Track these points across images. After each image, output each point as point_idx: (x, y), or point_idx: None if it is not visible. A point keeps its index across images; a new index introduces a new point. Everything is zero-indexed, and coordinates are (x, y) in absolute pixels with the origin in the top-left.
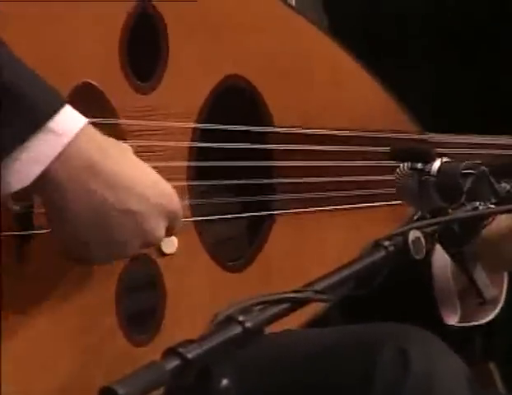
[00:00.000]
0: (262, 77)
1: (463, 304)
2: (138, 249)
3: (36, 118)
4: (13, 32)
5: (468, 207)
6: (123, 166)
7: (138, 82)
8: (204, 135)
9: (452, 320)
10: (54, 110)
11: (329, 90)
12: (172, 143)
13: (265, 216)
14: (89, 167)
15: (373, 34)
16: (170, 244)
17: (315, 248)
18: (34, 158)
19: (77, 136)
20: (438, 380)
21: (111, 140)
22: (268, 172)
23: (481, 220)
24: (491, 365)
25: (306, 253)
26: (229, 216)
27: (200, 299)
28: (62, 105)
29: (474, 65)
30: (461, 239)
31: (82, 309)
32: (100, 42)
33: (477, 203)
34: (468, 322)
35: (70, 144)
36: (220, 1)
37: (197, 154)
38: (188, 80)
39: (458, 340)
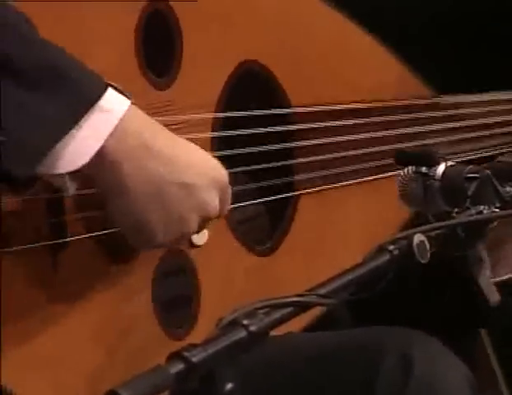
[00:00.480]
0: (276, 60)
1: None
2: (197, 224)
3: (88, 97)
4: None
5: (473, 211)
6: (173, 141)
7: (156, 78)
8: (225, 123)
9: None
10: (103, 89)
11: (343, 67)
12: (194, 135)
13: (288, 197)
14: (142, 143)
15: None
16: (201, 236)
17: (340, 224)
18: (90, 137)
19: (127, 113)
20: (440, 384)
21: (155, 121)
22: (291, 153)
23: (486, 224)
24: (483, 332)
25: (331, 231)
26: (255, 201)
27: (234, 287)
28: (107, 86)
29: (476, 64)
30: (465, 243)
31: (119, 310)
32: (116, 42)
33: (482, 207)
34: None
35: (122, 121)
36: None
37: (219, 143)
38: (204, 70)
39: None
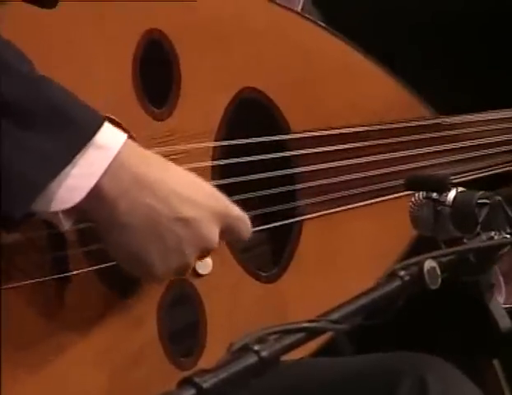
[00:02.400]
0: (276, 86)
1: (506, 285)
2: (196, 257)
3: (83, 134)
4: None
5: (484, 237)
6: (168, 174)
7: (155, 109)
8: (225, 151)
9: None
10: (98, 125)
11: (343, 91)
12: (195, 164)
13: (292, 223)
14: (137, 179)
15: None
16: (205, 265)
17: (346, 246)
18: (85, 173)
19: (122, 149)
20: None
21: (154, 154)
22: (292, 179)
23: (497, 250)
24: (495, 362)
25: (338, 254)
26: (259, 228)
27: (240, 315)
28: (103, 121)
29: (481, 69)
30: (476, 269)
31: (124, 342)
32: (114, 75)
33: (493, 233)
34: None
35: (116, 157)
36: (227, 15)
37: (220, 171)
38: (203, 99)
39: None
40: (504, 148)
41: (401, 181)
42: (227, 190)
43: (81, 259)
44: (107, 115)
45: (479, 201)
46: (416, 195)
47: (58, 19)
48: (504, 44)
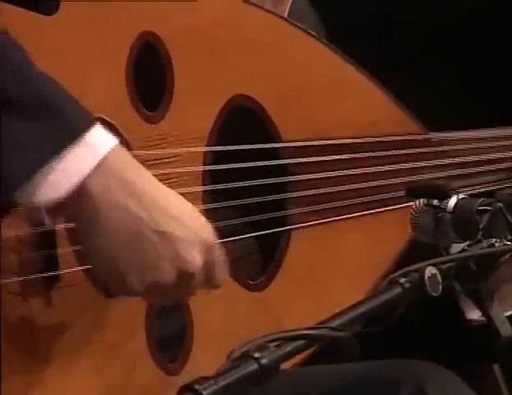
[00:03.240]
0: (268, 95)
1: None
2: (174, 277)
3: (74, 130)
4: None
5: (485, 244)
6: (159, 189)
7: (148, 112)
8: (216, 157)
9: (474, 315)
10: (90, 125)
11: (335, 103)
12: (186, 169)
13: (281, 231)
14: (124, 184)
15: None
16: None
17: (334, 258)
18: (71, 169)
19: (112, 151)
20: None
21: (143, 167)
22: (282, 187)
23: (498, 257)
24: (495, 367)
25: (326, 264)
26: (247, 235)
27: (228, 323)
28: (95, 123)
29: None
30: (477, 276)
31: (112, 344)
32: (108, 77)
33: (494, 240)
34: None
35: (106, 158)
36: (221, 22)
37: (211, 177)
38: (196, 104)
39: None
40: (495, 166)
41: (391, 195)
42: (217, 195)
43: (70, 258)
44: (100, 116)
45: (480, 207)
46: (417, 202)
47: (52, 22)
48: (498, 61)
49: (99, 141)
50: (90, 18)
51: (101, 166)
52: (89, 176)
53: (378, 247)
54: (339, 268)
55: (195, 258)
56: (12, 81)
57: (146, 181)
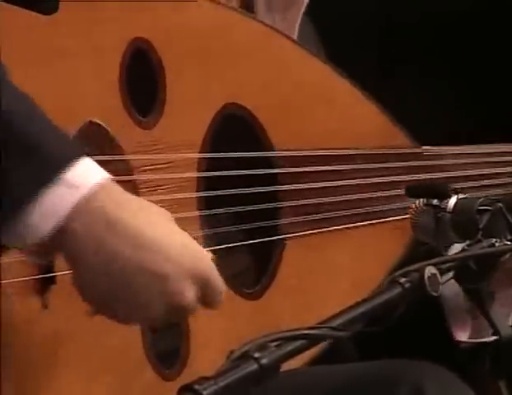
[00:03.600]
0: (260, 104)
1: (473, 320)
2: (165, 314)
3: (49, 171)
4: (16, 77)
5: (485, 244)
6: (146, 224)
7: (141, 117)
8: (210, 164)
9: (462, 337)
10: (69, 162)
11: (326, 114)
12: (179, 175)
13: (275, 241)
14: (106, 222)
15: (384, 46)
16: None
17: (327, 267)
18: (47, 212)
19: (93, 189)
20: None
21: (134, 197)
22: (276, 196)
23: (498, 256)
24: (501, 383)
25: (319, 273)
26: (242, 243)
27: (224, 331)
28: (78, 157)
29: (491, 77)
30: (477, 275)
31: (108, 348)
32: (101, 81)
33: (494, 240)
34: (477, 338)
35: (85, 197)
36: (214, 29)
37: (204, 184)
38: (189, 110)
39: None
40: (487, 182)
41: (383, 207)
42: (211, 203)
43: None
44: (93, 120)
45: (480, 207)
46: (417, 202)
47: (44, 28)
48: (500, 62)
49: (80, 179)
50: (84, 22)
51: (81, 205)
52: (69, 216)
53: (370, 259)
54: (332, 279)
55: (185, 293)
56: None
57: (131, 216)
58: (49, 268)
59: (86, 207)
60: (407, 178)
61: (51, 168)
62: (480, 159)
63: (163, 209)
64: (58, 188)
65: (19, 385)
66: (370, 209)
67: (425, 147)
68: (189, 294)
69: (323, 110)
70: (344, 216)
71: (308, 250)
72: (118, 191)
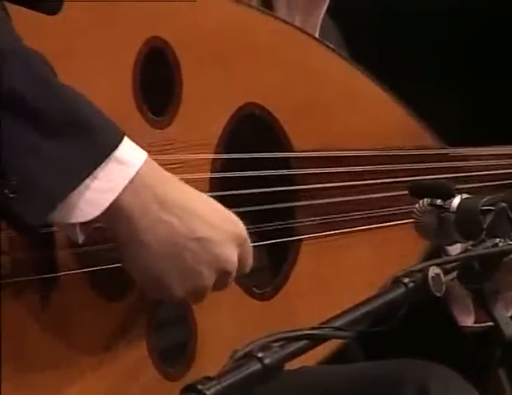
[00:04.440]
0: (279, 104)
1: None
2: (214, 279)
3: (105, 147)
4: None
5: (488, 244)
6: (187, 195)
7: (154, 117)
8: (224, 164)
9: (468, 322)
10: (119, 139)
11: (347, 114)
12: (193, 175)
13: (290, 242)
14: (155, 198)
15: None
16: None
17: (344, 269)
18: (106, 186)
19: (143, 166)
20: None
21: (171, 175)
22: (291, 197)
23: (502, 256)
24: (501, 371)
25: (333, 277)
26: (255, 243)
27: (232, 331)
28: (123, 135)
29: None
30: (481, 275)
31: (112, 346)
32: (113, 81)
33: (497, 240)
34: (484, 322)
35: (137, 175)
36: (232, 28)
37: (218, 184)
38: (204, 111)
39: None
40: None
41: (403, 209)
42: (225, 203)
43: (70, 261)
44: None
45: (484, 207)
46: (421, 202)
47: (58, 26)
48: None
49: (129, 157)
50: (98, 21)
51: (134, 183)
52: (123, 193)
53: (387, 261)
54: (347, 281)
55: (232, 257)
56: (38, 93)
57: (176, 190)
58: (51, 268)
59: (137, 184)
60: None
61: (104, 145)
62: (506, 160)
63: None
64: (112, 164)
65: (20, 383)
66: (390, 211)
67: (450, 148)
68: (235, 258)
69: (347, 110)
70: (363, 217)
71: (324, 252)
72: (160, 168)
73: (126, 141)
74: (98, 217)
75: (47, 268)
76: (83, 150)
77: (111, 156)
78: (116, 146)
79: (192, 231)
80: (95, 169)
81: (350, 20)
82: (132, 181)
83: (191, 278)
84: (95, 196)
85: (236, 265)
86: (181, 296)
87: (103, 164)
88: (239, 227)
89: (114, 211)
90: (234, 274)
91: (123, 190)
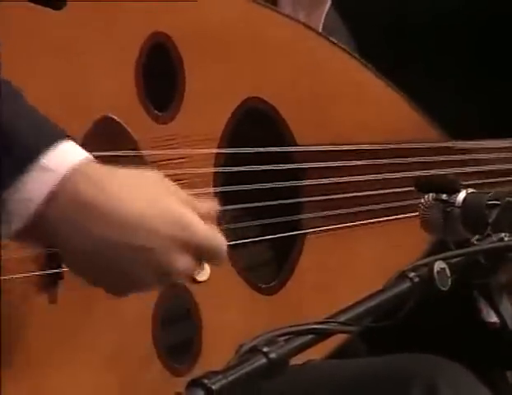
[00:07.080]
0: (283, 99)
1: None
2: (157, 281)
3: (26, 156)
4: (32, 70)
5: (494, 238)
6: (124, 201)
7: (157, 112)
8: (228, 159)
9: (492, 317)
10: (44, 147)
11: (352, 109)
12: (196, 170)
13: (295, 236)
14: (82, 204)
15: (399, 45)
16: (203, 272)
17: (347, 265)
18: (25, 197)
19: (69, 172)
20: None
21: (114, 174)
22: (295, 191)
23: (507, 251)
24: (508, 374)
25: (338, 272)
26: (260, 238)
27: (238, 325)
28: (55, 141)
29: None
30: (487, 270)
31: (117, 342)
32: (116, 76)
33: (503, 234)
34: None
35: (61, 182)
36: (235, 23)
37: (222, 179)
38: (207, 105)
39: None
40: None
41: (408, 202)
42: (229, 198)
43: None
44: (108, 115)
45: (489, 202)
46: (426, 196)
47: (62, 21)
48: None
49: (55, 164)
50: (102, 16)
51: (57, 191)
52: (44, 203)
53: (393, 254)
54: (352, 275)
55: (179, 263)
56: None
57: (110, 195)
58: (57, 263)
59: (61, 192)
60: (436, 172)
61: (26, 154)
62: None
63: (152, 173)
64: (35, 173)
65: (26, 380)
66: (394, 204)
67: (455, 141)
68: (179, 262)
69: (349, 104)
70: (368, 211)
71: (330, 246)
72: (98, 171)
73: (59, 146)
74: (24, 228)
75: (52, 263)
76: (5, 160)
77: (34, 164)
78: (40, 153)
79: (127, 239)
80: (15, 180)
81: (357, 17)
82: (54, 190)
83: (132, 283)
84: (15, 209)
85: (184, 266)
86: (122, 295)
87: (23, 173)
88: (190, 228)
89: (39, 221)
90: (187, 273)
91: (45, 200)
